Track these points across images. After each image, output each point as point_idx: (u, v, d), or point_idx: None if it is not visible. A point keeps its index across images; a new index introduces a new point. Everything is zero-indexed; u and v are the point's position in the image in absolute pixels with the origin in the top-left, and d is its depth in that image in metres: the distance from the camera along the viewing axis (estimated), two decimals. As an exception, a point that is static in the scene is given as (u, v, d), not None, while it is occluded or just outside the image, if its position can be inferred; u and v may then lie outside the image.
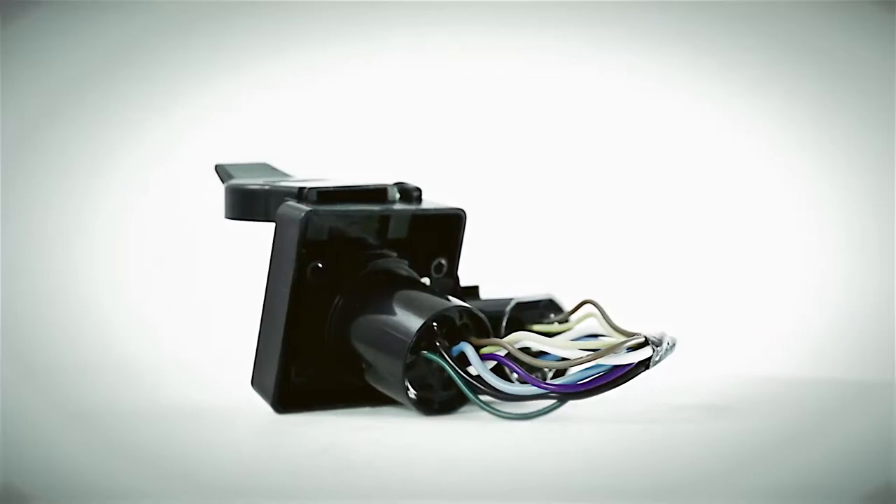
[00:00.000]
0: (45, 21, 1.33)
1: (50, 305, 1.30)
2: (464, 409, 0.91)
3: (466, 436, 0.84)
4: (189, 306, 1.32)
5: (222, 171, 1.01)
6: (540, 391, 0.84)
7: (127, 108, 1.37)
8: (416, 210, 0.94)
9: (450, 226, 0.95)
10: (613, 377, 0.83)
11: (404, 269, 0.95)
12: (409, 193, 0.96)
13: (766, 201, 1.37)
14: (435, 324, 0.88)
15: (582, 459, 0.77)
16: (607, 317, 0.90)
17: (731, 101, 1.37)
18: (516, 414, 0.87)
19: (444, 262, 0.96)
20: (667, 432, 0.84)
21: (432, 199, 0.97)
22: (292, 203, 0.92)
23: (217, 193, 1.37)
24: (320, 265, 0.92)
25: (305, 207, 0.91)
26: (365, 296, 0.92)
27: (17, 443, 0.82)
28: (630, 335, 0.86)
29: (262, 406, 0.92)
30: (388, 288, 0.92)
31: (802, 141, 1.36)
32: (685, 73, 1.37)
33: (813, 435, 0.82)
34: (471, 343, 0.88)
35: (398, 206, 0.94)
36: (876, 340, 1.21)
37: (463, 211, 0.95)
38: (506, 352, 0.86)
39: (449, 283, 0.96)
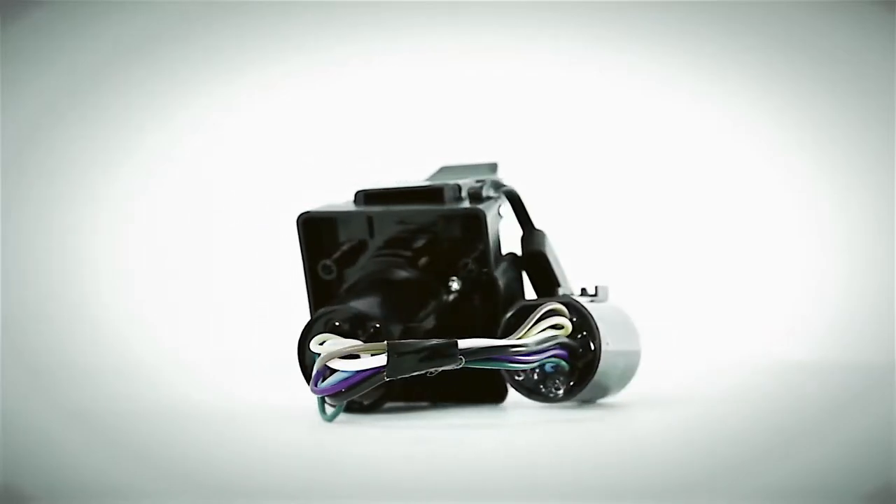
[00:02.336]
0: (45, 21, 1.33)
1: (50, 305, 1.31)
2: (468, 409, 0.91)
3: (470, 435, 0.84)
4: (189, 306, 1.32)
5: (439, 172, 0.99)
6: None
7: (127, 108, 1.37)
8: (422, 210, 0.93)
9: (473, 227, 0.93)
10: (350, 382, 0.82)
11: (392, 267, 0.93)
12: (477, 193, 0.93)
13: (766, 201, 1.37)
14: (340, 322, 0.87)
15: (581, 460, 0.77)
16: (532, 324, 0.86)
17: (731, 101, 1.37)
18: (328, 415, 0.86)
19: (470, 263, 0.93)
20: (666, 432, 0.84)
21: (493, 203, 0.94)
22: (323, 203, 0.93)
23: (214, 193, 1.37)
24: (328, 262, 0.93)
25: (321, 209, 0.92)
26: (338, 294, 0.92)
27: (17, 443, 0.82)
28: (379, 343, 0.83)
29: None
30: (352, 286, 0.91)
31: (802, 141, 1.36)
32: (685, 73, 1.37)
33: (813, 435, 0.82)
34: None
35: (397, 208, 0.93)
36: (876, 340, 1.21)
37: (480, 211, 0.92)
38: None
39: (485, 284, 0.92)
